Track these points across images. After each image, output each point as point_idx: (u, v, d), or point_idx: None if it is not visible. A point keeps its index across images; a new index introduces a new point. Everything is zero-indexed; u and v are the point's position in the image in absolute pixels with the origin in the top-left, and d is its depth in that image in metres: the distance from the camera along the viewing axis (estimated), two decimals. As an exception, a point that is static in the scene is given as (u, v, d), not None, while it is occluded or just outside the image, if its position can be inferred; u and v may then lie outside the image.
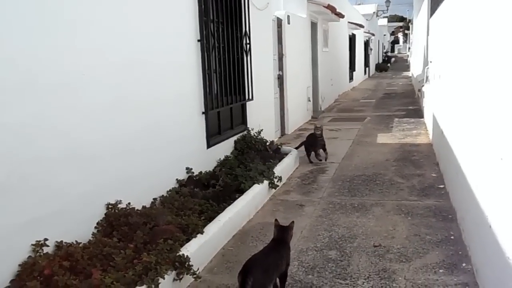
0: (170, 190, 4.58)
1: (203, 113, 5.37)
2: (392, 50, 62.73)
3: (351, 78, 20.05)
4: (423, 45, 13.03)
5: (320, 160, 6.77)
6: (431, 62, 10.18)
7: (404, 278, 3.26)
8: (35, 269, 2.86)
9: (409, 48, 36.83)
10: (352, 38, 20.25)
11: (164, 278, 2.98)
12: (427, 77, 10.81)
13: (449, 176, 5.12)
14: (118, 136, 3.81)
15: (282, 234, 3.12)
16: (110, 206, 3.71)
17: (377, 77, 28.22)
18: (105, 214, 3.67)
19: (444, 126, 5.81)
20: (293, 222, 3.25)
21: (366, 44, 26.93)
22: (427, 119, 9.40)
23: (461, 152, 4.17)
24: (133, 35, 4.02)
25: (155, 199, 4.33)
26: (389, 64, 37.98)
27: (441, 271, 3.34)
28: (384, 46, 46.90)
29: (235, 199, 4.66)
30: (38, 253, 2.98)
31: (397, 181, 5.68)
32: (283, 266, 3.03)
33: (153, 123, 4.35)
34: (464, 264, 3.41)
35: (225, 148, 6.04)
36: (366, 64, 26.85)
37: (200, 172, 5.16)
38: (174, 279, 3.13)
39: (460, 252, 3.61)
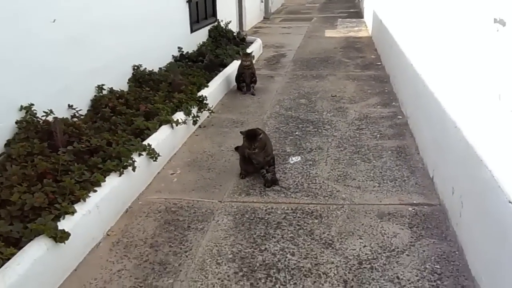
0: (169, 63, 5.71)
1: (187, 1, 6.37)
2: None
3: (295, -16, 20.81)
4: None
5: (253, 94, 5.46)
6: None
7: (354, 110, 4.73)
8: (102, 102, 4.01)
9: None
10: None
11: (193, 108, 4.24)
12: (367, -19, 12.03)
13: (385, 54, 6.58)
14: (134, 13, 4.81)
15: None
16: (135, 67, 4.83)
17: (318, -16, 29.01)
18: (132, 73, 4.80)
19: (382, 16, 7.18)
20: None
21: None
22: (367, 18, 10.76)
23: (396, 30, 5.57)
24: None
25: (160, 68, 5.45)
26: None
27: (378, 107, 4.84)
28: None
29: (220, 71, 5.87)
30: (100, 93, 4.12)
31: (345, 61, 7.09)
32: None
33: (154, 8, 5.35)
34: (394, 103, 4.93)
35: (202, 35, 7.11)
36: (308, -29, 27.44)
37: (187, 52, 6.27)
38: (197, 112, 4.39)
39: (391, 98, 5.12)
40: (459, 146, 2.51)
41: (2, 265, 2.07)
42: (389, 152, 3.72)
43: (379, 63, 6.81)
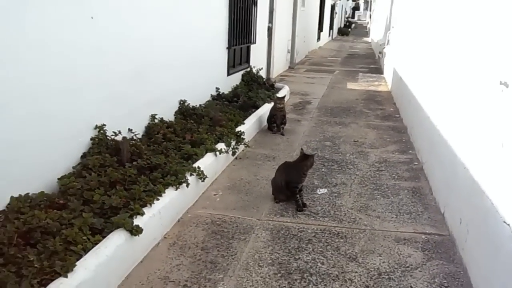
0: (208, 101, 6.34)
1: (227, 48, 7.07)
2: (353, 16, 64.67)
3: (318, 38, 21.87)
4: (386, 14, 14.97)
5: (283, 134, 6.05)
6: (393, 27, 12.15)
7: (374, 155, 5.25)
8: (154, 129, 4.59)
9: (370, 16, 38.99)
10: (322, 0, 21.92)
11: (232, 141, 4.80)
12: (388, 40, 12.83)
13: (404, 107, 7.16)
14: (184, 55, 5.46)
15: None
16: (181, 102, 5.45)
17: (340, 40, 30.24)
18: (179, 107, 5.41)
19: (402, 73, 7.81)
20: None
21: (332, 7, 28.70)
22: (387, 74, 11.45)
23: (415, 87, 6.16)
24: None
25: (200, 104, 6.06)
26: (350, 29, 40.05)
27: (396, 153, 5.35)
28: (346, 11, 48.80)
29: (252, 111, 6.47)
30: (152, 122, 4.71)
31: (365, 111, 7.68)
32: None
33: (200, 52, 6.02)
34: (410, 151, 5.44)
35: (236, 78, 7.79)
36: (331, 26, 28.72)
37: (223, 92, 6.91)
38: (235, 144, 4.94)
39: (408, 146, 5.64)
40: (466, 183, 3.01)
41: (92, 247, 2.57)
42: (406, 191, 4.20)
43: (398, 115, 7.37)
